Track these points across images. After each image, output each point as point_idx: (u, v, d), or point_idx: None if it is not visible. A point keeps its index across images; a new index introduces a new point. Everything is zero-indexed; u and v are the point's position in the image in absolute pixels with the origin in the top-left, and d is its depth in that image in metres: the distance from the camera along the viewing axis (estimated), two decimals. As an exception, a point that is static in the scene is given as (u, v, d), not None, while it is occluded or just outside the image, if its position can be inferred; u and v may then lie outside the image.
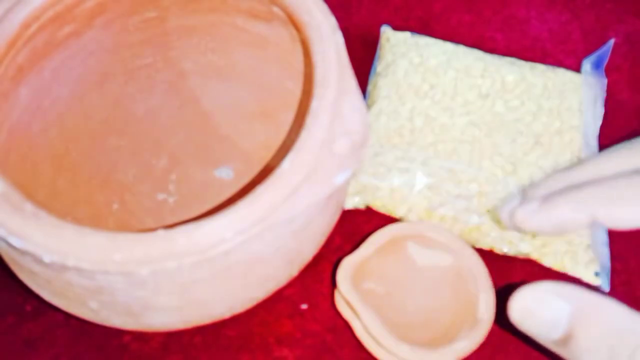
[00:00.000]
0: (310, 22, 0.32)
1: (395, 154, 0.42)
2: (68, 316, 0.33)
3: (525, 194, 0.30)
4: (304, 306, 0.39)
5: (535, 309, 0.23)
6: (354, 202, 0.42)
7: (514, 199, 0.30)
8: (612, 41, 0.47)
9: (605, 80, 0.45)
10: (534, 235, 0.40)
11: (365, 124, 0.30)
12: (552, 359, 0.25)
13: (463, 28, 0.49)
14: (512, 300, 0.23)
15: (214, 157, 0.43)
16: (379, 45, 0.47)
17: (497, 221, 0.40)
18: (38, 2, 0.33)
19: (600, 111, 0.44)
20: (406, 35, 0.46)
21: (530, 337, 0.24)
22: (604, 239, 0.40)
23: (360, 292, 0.37)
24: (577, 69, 0.46)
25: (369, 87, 0.45)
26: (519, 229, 0.28)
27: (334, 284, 0.38)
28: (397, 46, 0.45)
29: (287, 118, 0.40)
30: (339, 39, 0.32)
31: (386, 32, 0.47)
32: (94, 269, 0.27)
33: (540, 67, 0.45)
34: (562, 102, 0.43)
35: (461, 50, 0.45)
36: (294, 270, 0.33)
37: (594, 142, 0.43)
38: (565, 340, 0.22)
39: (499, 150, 0.42)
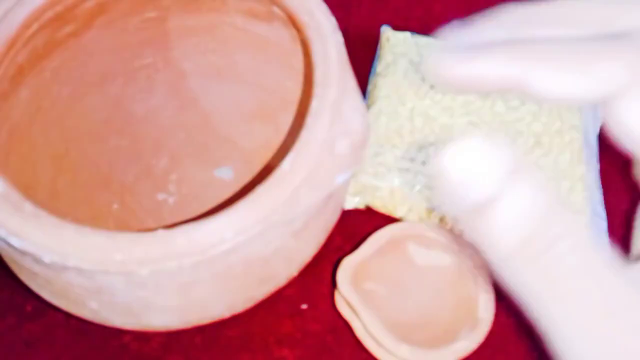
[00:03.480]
0: (310, 22, 0.32)
1: (395, 154, 0.42)
2: (68, 316, 0.33)
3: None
4: (304, 306, 0.39)
5: (465, 162, 0.18)
6: (354, 202, 0.42)
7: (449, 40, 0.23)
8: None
9: (606, 81, 0.45)
10: None
11: (365, 124, 0.30)
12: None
13: (463, 28, 0.49)
14: (448, 149, 0.19)
15: (214, 157, 0.43)
16: (378, 45, 0.47)
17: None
18: (38, 3, 0.33)
19: (600, 111, 0.44)
20: (406, 35, 0.46)
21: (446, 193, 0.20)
22: (604, 239, 0.40)
23: (360, 292, 0.37)
24: (577, 69, 0.46)
25: (369, 87, 0.45)
26: (435, 79, 0.24)
27: (334, 284, 0.38)
28: (397, 46, 0.45)
29: (287, 118, 0.40)
30: (339, 39, 0.32)
31: (386, 32, 0.47)
32: (94, 269, 0.27)
33: (540, 67, 0.45)
34: (562, 102, 0.43)
35: (461, 51, 0.45)
36: (293, 270, 0.33)
37: (594, 142, 0.43)
38: (483, 207, 0.18)
39: (499, 151, 0.42)
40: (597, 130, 0.43)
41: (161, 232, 0.27)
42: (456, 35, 0.23)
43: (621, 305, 0.18)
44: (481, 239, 0.19)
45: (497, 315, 0.37)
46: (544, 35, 0.21)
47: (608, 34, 0.20)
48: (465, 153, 0.18)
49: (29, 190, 0.33)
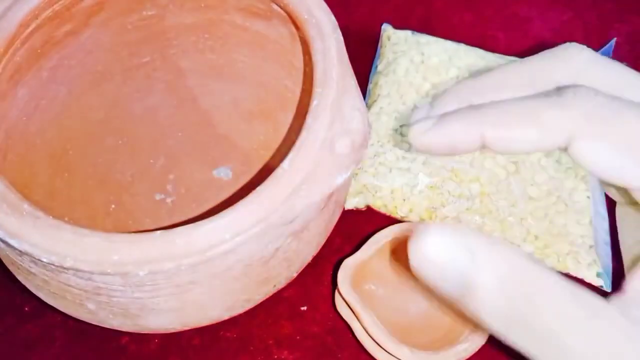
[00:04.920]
0: (310, 20, 0.32)
1: (396, 154, 0.41)
2: (66, 317, 0.33)
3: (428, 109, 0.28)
4: (304, 308, 0.39)
5: (435, 257, 0.21)
6: (354, 202, 0.41)
7: (419, 114, 0.28)
8: (613, 40, 0.46)
9: (607, 80, 0.45)
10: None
11: (365, 123, 0.30)
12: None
13: (464, 27, 0.49)
14: (412, 245, 0.21)
15: (212, 157, 0.43)
16: (379, 44, 0.47)
17: (500, 221, 0.40)
18: (36, 1, 0.32)
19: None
20: (407, 33, 0.46)
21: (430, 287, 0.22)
22: (606, 238, 0.40)
23: (360, 294, 0.37)
24: (579, 68, 0.46)
25: (370, 86, 0.45)
26: (416, 147, 0.27)
27: (334, 285, 0.38)
28: (397, 45, 0.45)
29: (287, 117, 0.40)
30: (339, 37, 0.32)
31: (387, 30, 0.47)
32: (92, 270, 0.26)
33: (541, 66, 0.45)
34: (563, 102, 0.43)
35: (462, 49, 0.45)
36: (293, 272, 0.33)
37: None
38: (464, 292, 0.21)
39: (500, 150, 0.42)
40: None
41: (159, 233, 0.27)
42: (424, 111, 0.27)
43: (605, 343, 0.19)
44: (474, 315, 0.21)
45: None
46: (495, 98, 0.25)
47: (542, 91, 0.24)
48: (432, 247, 0.20)
49: (26, 189, 0.33)
